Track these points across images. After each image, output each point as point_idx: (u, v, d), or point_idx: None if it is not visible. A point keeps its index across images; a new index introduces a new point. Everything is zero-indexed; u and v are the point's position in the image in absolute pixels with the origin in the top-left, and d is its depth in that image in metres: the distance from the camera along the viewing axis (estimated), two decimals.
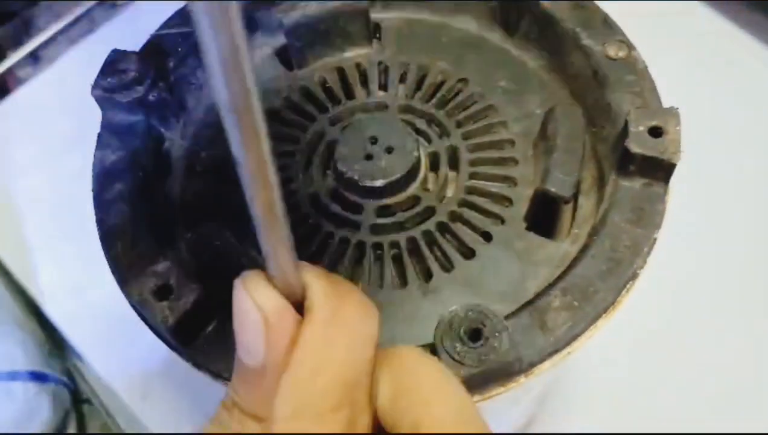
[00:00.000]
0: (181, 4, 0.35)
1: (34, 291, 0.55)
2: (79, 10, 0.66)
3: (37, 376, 0.51)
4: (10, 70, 0.65)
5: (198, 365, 0.26)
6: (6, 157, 0.60)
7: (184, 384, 0.51)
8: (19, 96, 0.65)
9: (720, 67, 0.55)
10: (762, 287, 0.51)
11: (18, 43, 0.65)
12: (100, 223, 0.29)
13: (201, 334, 0.26)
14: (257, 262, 0.29)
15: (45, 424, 0.50)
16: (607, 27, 0.33)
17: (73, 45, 0.66)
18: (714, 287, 0.51)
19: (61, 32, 0.66)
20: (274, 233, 0.19)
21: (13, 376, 0.50)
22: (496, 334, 0.24)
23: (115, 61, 0.31)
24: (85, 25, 0.67)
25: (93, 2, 0.66)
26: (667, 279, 0.41)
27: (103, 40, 0.66)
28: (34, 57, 0.65)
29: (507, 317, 0.26)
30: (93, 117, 0.62)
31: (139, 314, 0.27)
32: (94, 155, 0.31)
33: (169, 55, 0.34)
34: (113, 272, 0.28)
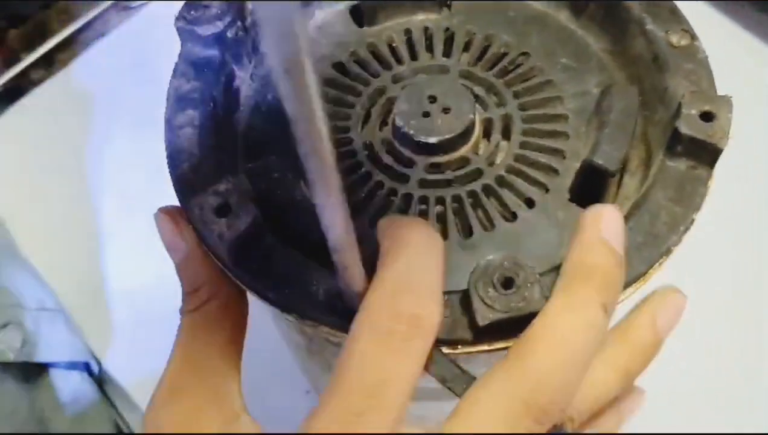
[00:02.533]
0: None
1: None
2: (92, 12, 0.66)
3: (87, 367, 0.52)
4: (23, 73, 0.65)
5: (247, 285, 0.28)
6: (20, 159, 0.61)
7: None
8: (32, 98, 0.65)
9: (724, 67, 0.54)
10: None
11: (31, 46, 0.65)
12: (170, 143, 0.31)
13: (253, 256, 0.28)
14: (308, 197, 0.31)
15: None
16: (673, 15, 0.33)
17: (86, 48, 0.66)
18: (739, 275, 0.51)
19: (74, 35, 0.66)
20: (326, 189, 0.20)
21: (72, 365, 0.50)
22: (528, 284, 0.25)
23: None
24: (98, 27, 0.67)
25: (107, 4, 0.67)
26: (697, 260, 0.41)
27: (116, 43, 0.66)
28: (48, 60, 0.65)
29: (541, 274, 0.27)
30: (104, 119, 0.62)
31: (196, 230, 0.29)
32: (170, 83, 0.33)
33: None
34: (176, 190, 0.30)
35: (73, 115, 0.63)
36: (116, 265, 0.57)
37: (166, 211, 0.28)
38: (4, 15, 0.61)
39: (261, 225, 0.28)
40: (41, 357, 0.48)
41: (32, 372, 0.48)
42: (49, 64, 0.66)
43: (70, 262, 0.57)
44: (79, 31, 0.67)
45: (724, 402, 0.48)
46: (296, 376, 0.50)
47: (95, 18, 0.68)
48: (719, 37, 0.60)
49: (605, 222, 0.25)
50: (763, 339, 0.50)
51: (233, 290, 0.28)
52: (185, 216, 0.29)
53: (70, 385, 0.50)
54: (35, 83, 0.66)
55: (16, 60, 0.64)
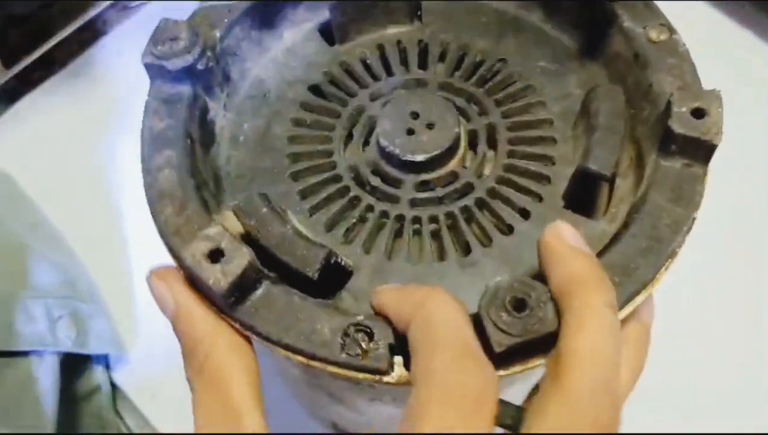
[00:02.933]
0: (195, 5, 0.36)
1: None
2: (92, 12, 0.65)
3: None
4: (23, 73, 0.65)
5: (247, 328, 0.27)
6: (21, 158, 0.60)
7: None
8: (32, 98, 0.64)
9: (723, 66, 0.55)
10: None
11: (31, 46, 0.65)
12: (149, 187, 0.30)
13: (250, 298, 0.27)
14: (300, 231, 0.30)
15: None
16: (648, 10, 0.33)
17: (86, 48, 0.66)
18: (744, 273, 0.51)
19: (74, 35, 0.65)
20: None
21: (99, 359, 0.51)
22: (541, 304, 0.25)
23: (165, 30, 0.32)
24: (98, 27, 0.67)
25: (106, 4, 0.66)
26: (701, 260, 0.41)
27: (116, 42, 0.66)
28: (48, 60, 0.64)
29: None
30: (105, 118, 0.62)
31: (190, 278, 0.27)
32: (143, 123, 0.32)
33: (216, 26, 0.34)
34: (162, 236, 0.29)
35: (74, 114, 0.63)
36: (137, 261, 0.56)
37: (156, 274, 0.27)
38: (4, 15, 0.59)
39: (256, 266, 0.27)
40: (90, 349, 0.49)
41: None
42: (49, 63, 0.65)
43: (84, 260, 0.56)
44: (79, 30, 0.66)
45: (725, 402, 0.48)
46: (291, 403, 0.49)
47: (95, 18, 0.66)
48: (719, 37, 0.61)
49: (563, 232, 0.26)
50: (763, 339, 0.50)
51: (234, 336, 0.27)
52: (176, 269, 0.28)
53: (95, 374, 0.51)
54: (35, 83, 0.65)
55: (15, 60, 0.62)
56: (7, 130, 0.63)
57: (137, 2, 0.68)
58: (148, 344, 0.53)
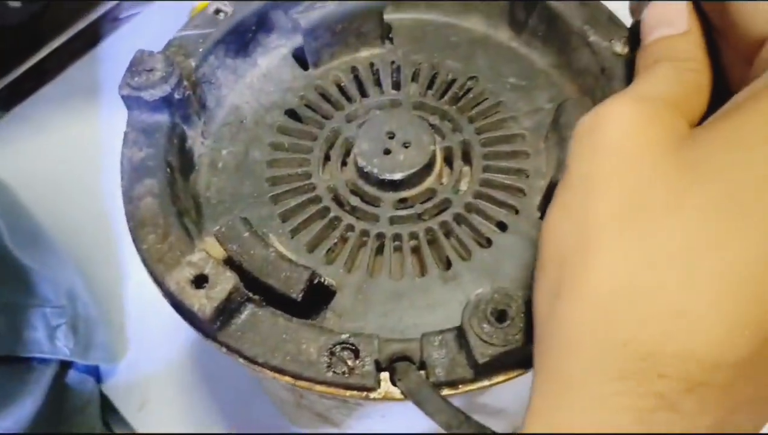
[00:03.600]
0: (185, 19, 0.36)
1: None
2: (82, 23, 0.66)
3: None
4: (14, 83, 0.65)
5: (233, 351, 0.27)
6: (15, 167, 0.61)
7: (181, 392, 0.52)
8: (23, 109, 0.65)
9: None
10: None
11: (22, 56, 0.65)
12: (131, 217, 0.30)
13: (235, 321, 0.27)
14: (283, 254, 0.30)
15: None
16: (613, 24, 0.34)
17: (76, 59, 0.67)
18: None
19: (64, 46, 0.66)
20: None
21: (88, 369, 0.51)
22: (522, 314, 0.25)
23: (140, 61, 0.32)
24: (88, 38, 0.68)
25: (96, 15, 0.67)
26: None
27: (106, 53, 0.66)
28: (38, 70, 0.65)
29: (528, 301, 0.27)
30: (95, 130, 0.63)
31: (174, 304, 0.28)
32: (122, 153, 0.32)
33: (191, 55, 0.35)
34: (146, 264, 0.29)
35: (65, 124, 0.63)
36: (129, 271, 0.56)
37: None
38: None
39: (240, 290, 0.27)
40: (88, 359, 0.50)
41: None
42: (40, 74, 0.66)
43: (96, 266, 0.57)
44: (70, 41, 0.67)
45: None
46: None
47: (85, 29, 0.68)
48: None
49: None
50: None
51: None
52: None
53: (88, 387, 0.51)
54: (27, 93, 0.65)
55: (6, 70, 0.63)
56: (1, 140, 0.63)
57: (127, 13, 0.69)
58: (138, 356, 0.53)
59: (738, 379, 0.19)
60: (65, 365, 0.50)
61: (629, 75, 0.32)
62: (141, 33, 0.67)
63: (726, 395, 0.20)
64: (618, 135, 0.22)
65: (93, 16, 0.68)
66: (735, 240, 0.20)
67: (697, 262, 0.20)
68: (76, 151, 0.62)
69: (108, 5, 0.69)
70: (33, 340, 0.47)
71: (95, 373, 0.53)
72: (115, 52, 0.67)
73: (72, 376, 0.51)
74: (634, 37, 0.31)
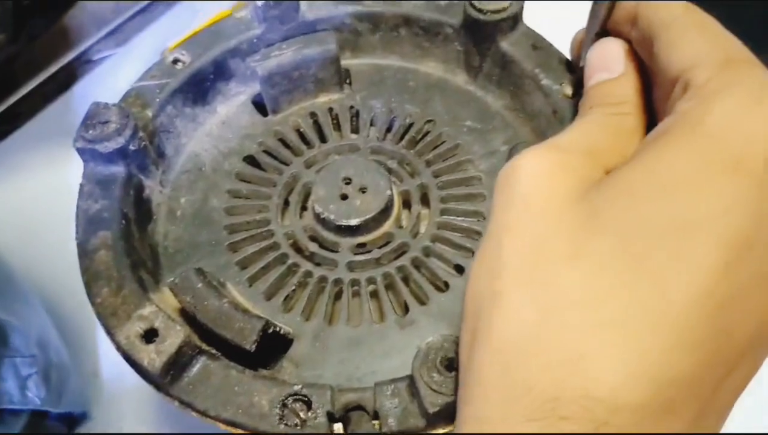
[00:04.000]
0: (156, 58, 0.37)
1: None
2: (56, 66, 0.67)
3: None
4: None
5: (185, 405, 0.27)
6: None
7: (160, 420, 0.51)
8: None
9: None
10: None
11: None
12: (85, 270, 0.30)
13: (186, 374, 0.27)
14: (237, 304, 0.30)
15: None
16: (564, 67, 0.35)
17: (50, 102, 0.67)
18: None
19: (38, 88, 0.67)
20: None
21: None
22: None
23: (95, 114, 0.33)
24: (61, 79, 0.68)
25: (70, 57, 0.68)
26: None
27: (80, 95, 0.67)
28: (12, 114, 0.65)
29: None
30: (68, 174, 0.63)
31: (126, 358, 0.27)
32: (78, 206, 0.32)
33: (148, 105, 0.35)
34: (99, 318, 0.29)
35: (39, 168, 0.62)
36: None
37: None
38: None
39: (192, 343, 0.27)
40: (61, 407, 0.49)
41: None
42: (13, 118, 0.65)
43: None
44: (43, 84, 0.67)
45: None
46: None
47: (59, 71, 0.67)
48: None
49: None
50: None
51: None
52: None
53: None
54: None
55: None
56: None
57: (100, 55, 0.69)
58: (113, 401, 0.53)
59: (644, 421, 0.20)
60: (37, 414, 0.49)
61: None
62: (115, 75, 0.67)
63: None
64: (528, 186, 0.23)
65: (66, 58, 0.69)
66: (628, 290, 0.20)
67: (595, 310, 0.20)
68: (48, 195, 0.62)
69: (81, 47, 0.69)
70: (2, 391, 0.46)
71: (68, 420, 0.52)
72: (89, 95, 0.67)
73: (44, 425, 0.50)
74: (579, 80, 0.32)
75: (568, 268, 0.21)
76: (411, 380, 0.26)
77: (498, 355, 0.21)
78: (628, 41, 0.28)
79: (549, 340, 0.21)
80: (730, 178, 0.21)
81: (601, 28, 0.28)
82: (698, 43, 0.24)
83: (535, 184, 0.23)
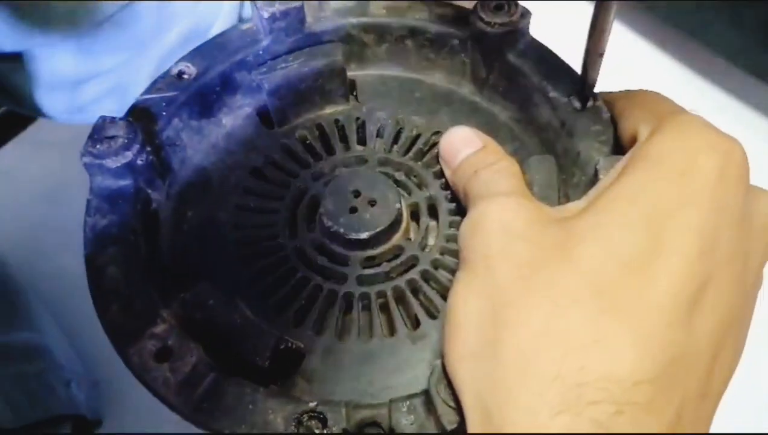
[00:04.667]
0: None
1: None
2: None
3: None
4: None
5: (199, 424, 0.27)
6: None
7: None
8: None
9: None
10: None
11: None
12: (95, 286, 0.30)
13: (200, 393, 0.27)
14: (249, 320, 0.30)
15: None
16: (572, 80, 0.35)
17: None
18: None
19: None
20: None
21: None
22: None
23: (103, 128, 0.32)
24: None
25: None
26: None
27: None
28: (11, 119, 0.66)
29: None
30: (70, 186, 0.63)
31: (139, 377, 0.27)
32: (85, 221, 0.32)
33: (154, 119, 0.35)
34: (109, 335, 0.29)
35: (38, 180, 0.65)
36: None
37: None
38: None
39: (205, 361, 0.27)
40: (91, 412, 0.52)
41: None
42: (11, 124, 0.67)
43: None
44: None
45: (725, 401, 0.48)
46: None
47: None
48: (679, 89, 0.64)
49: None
50: (763, 338, 0.51)
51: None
52: None
53: None
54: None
55: None
56: None
57: None
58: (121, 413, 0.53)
59: (658, 395, 0.22)
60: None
61: (589, 130, 0.33)
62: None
63: (654, 413, 0.22)
64: (499, 223, 0.27)
65: None
66: (621, 280, 0.24)
67: (597, 302, 0.23)
68: (55, 201, 0.62)
69: None
70: (54, 398, 0.48)
71: (81, 426, 0.53)
72: None
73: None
74: (588, 90, 0.33)
75: (564, 271, 0.24)
76: (426, 396, 0.26)
77: (514, 359, 0.23)
78: None
79: (562, 333, 0.23)
80: (684, 182, 0.25)
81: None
82: (638, 114, 0.31)
83: (506, 220, 0.27)
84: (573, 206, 0.28)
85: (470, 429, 0.24)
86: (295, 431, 0.26)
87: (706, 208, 0.24)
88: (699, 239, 0.24)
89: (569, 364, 0.22)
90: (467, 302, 0.26)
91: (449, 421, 0.25)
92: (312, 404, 0.27)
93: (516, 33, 0.36)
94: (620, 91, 0.33)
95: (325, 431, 0.26)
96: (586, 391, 0.22)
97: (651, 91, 0.32)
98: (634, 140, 0.30)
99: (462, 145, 0.33)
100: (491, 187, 0.29)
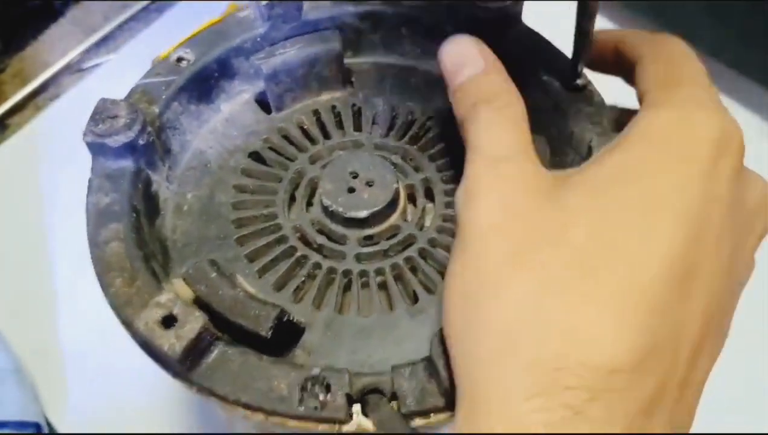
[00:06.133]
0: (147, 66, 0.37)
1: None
2: (45, 75, 0.67)
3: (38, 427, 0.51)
4: None
5: (204, 390, 0.27)
6: None
7: None
8: None
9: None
10: None
11: None
12: (97, 260, 0.30)
13: (205, 361, 0.27)
14: (251, 293, 0.31)
15: None
16: (563, 63, 0.36)
17: (40, 111, 0.67)
18: None
19: (27, 99, 0.66)
20: None
21: (22, 426, 0.50)
22: None
23: (104, 109, 0.33)
24: (52, 90, 0.68)
25: (57, 69, 0.67)
26: None
27: (70, 105, 0.66)
28: (1, 125, 0.65)
29: None
30: (59, 182, 0.63)
31: (144, 345, 0.28)
32: (87, 200, 0.32)
33: (154, 102, 0.35)
34: (113, 307, 0.29)
35: (28, 178, 0.62)
36: (71, 326, 0.56)
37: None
38: None
39: (210, 329, 0.27)
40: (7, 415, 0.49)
41: None
42: (3, 128, 0.66)
43: (22, 321, 0.56)
44: (33, 94, 0.67)
45: (725, 401, 0.49)
46: None
47: (48, 81, 0.68)
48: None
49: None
50: (763, 339, 0.51)
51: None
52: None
53: None
54: None
55: None
56: None
57: (90, 63, 0.69)
58: (101, 406, 0.52)
59: (635, 383, 0.22)
60: None
61: (582, 111, 0.34)
62: (105, 83, 0.67)
63: (629, 400, 0.22)
64: (497, 196, 0.26)
65: (56, 67, 0.69)
66: (605, 267, 0.23)
67: (580, 287, 0.23)
68: (35, 207, 0.62)
69: (70, 56, 0.69)
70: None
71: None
72: (79, 104, 0.67)
73: None
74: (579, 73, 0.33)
75: (554, 254, 0.24)
76: (429, 361, 0.27)
77: (496, 338, 0.23)
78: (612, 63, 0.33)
79: (543, 317, 0.23)
80: (677, 167, 0.25)
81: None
82: (653, 73, 0.29)
83: (505, 191, 0.26)
84: (573, 173, 0.27)
85: (456, 408, 0.25)
86: (300, 397, 0.27)
87: (698, 197, 0.24)
88: (688, 228, 0.24)
89: (547, 348, 0.22)
90: (459, 277, 0.26)
91: (452, 382, 0.25)
92: (315, 371, 0.27)
93: (509, 19, 0.37)
94: (644, 34, 0.32)
95: (329, 397, 0.27)
96: (561, 376, 0.22)
97: (676, 45, 0.30)
98: (641, 100, 0.29)
99: (464, 60, 0.31)
100: (492, 141, 0.28)
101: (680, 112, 0.26)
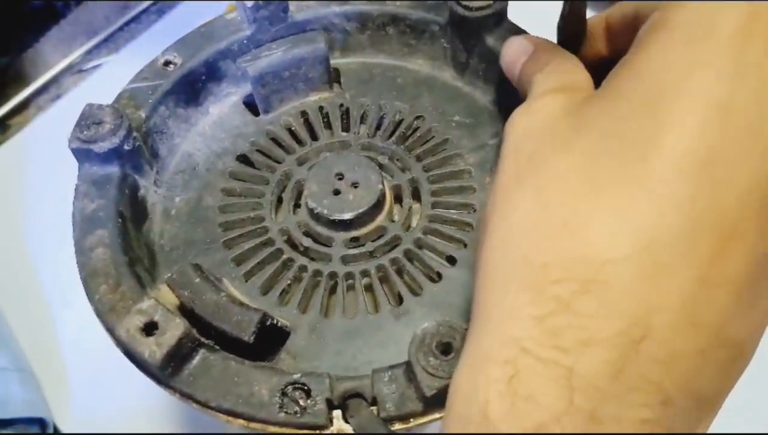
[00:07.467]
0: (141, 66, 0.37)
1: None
2: (46, 77, 0.67)
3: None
4: None
5: (186, 396, 0.27)
6: None
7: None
8: None
9: None
10: None
11: None
12: (83, 266, 0.31)
13: (187, 367, 0.28)
14: (234, 298, 0.31)
15: None
16: None
17: (41, 112, 0.67)
18: None
19: (28, 100, 0.67)
20: None
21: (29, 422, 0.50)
22: None
23: (89, 115, 0.33)
24: (53, 91, 0.68)
25: (58, 70, 0.68)
26: None
27: (71, 106, 0.67)
28: (2, 125, 0.66)
29: None
30: (60, 183, 0.64)
31: (126, 352, 0.28)
32: (74, 205, 0.32)
33: (141, 107, 0.35)
34: (97, 314, 0.29)
35: (29, 178, 0.63)
36: (73, 326, 0.55)
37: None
38: None
39: (191, 336, 0.28)
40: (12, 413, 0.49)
41: None
42: (4, 129, 0.66)
43: (23, 321, 0.56)
44: (34, 95, 0.68)
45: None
46: None
47: (49, 81, 0.68)
48: None
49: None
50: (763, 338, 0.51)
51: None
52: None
53: None
54: None
55: None
56: None
57: (91, 64, 0.69)
58: (104, 404, 0.53)
59: (636, 280, 0.21)
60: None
61: None
62: (106, 84, 0.68)
63: (628, 296, 0.21)
64: (521, 125, 0.27)
65: (57, 68, 0.69)
66: (614, 161, 0.22)
67: (584, 184, 0.22)
68: (38, 204, 0.62)
69: (71, 57, 0.70)
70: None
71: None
72: (80, 104, 0.67)
73: None
74: None
75: (559, 159, 0.24)
76: (408, 366, 0.27)
77: (502, 242, 0.24)
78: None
79: (544, 218, 0.23)
80: (695, 46, 0.22)
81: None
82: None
83: (529, 119, 0.26)
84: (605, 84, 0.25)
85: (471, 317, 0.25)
86: (280, 402, 0.27)
87: (720, 72, 0.21)
88: (706, 107, 0.21)
89: (539, 246, 0.22)
90: (487, 204, 0.26)
91: (429, 387, 0.25)
92: (296, 376, 0.27)
93: (494, 17, 0.36)
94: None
95: (309, 402, 0.27)
96: (550, 270, 0.22)
97: None
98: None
99: (517, 56, 0.32)
100: (534, 89, 0.28)
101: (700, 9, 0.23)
